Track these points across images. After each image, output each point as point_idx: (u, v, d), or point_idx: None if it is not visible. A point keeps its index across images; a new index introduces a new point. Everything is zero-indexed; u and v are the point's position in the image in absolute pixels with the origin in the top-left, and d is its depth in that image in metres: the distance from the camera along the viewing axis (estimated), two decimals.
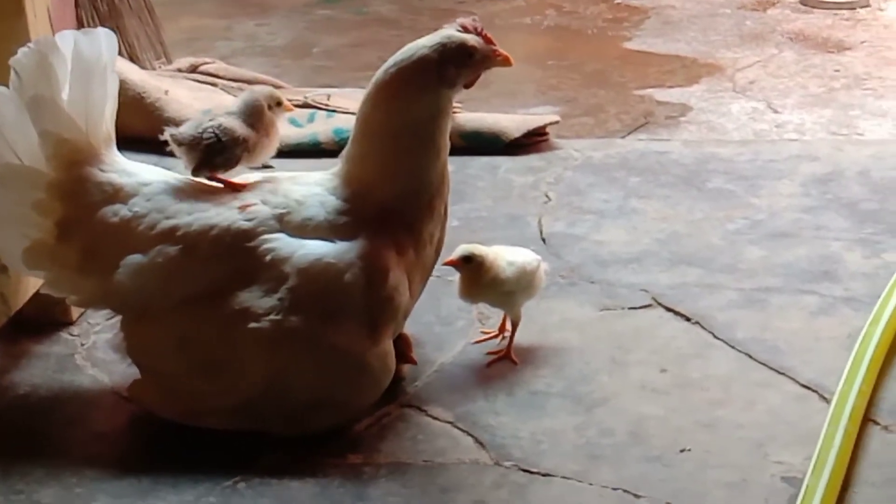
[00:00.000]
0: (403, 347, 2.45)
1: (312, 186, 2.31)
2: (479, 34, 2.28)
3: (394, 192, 2.27)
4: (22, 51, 2.24)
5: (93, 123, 2.30)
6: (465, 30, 2.28)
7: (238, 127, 2.29)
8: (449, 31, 2.27)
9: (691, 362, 2.50)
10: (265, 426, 2.26)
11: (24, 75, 2.24)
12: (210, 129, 2.28)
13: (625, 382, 2.44)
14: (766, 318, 2.66)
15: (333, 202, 2.27)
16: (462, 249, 2.48)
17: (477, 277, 2.48)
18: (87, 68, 2.28)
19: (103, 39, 2.33)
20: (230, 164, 2.30)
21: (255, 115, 2.32)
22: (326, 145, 3.65)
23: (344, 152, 2.34)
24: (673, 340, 2.59)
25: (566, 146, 3.67)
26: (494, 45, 2.29)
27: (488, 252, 2.50)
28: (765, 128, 3.83)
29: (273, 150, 2.37)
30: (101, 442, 2.32)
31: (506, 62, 2.31)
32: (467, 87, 2.32)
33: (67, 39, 2.28)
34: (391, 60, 2.27)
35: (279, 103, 2.35)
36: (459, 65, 2.25)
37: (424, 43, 2.26)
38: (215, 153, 2.28)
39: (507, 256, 2.53)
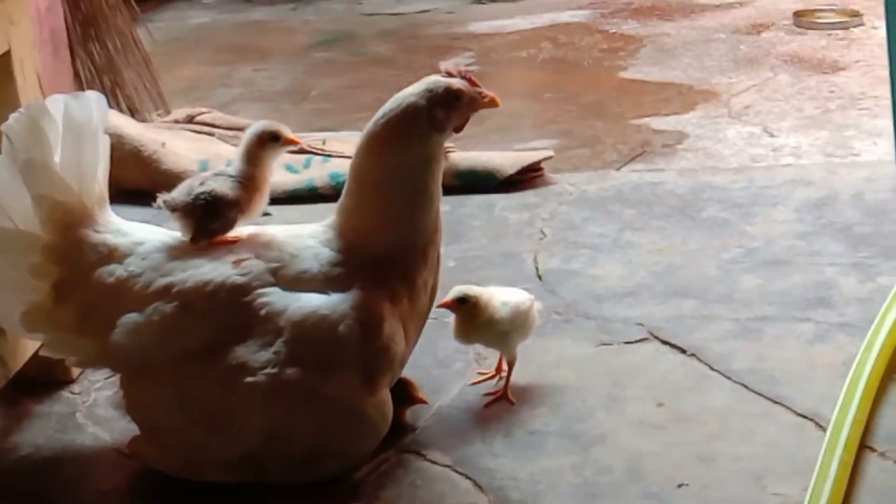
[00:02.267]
0: (409, 391, 2.46)
1: (306, 239, 2.33)
2: (463, 78, 2.30)
3: (388, 242, 2.29)
4: (13, 116, 2.26)
5: (86, 185, 2.32)
6: (450, 75, 2.30)
7: (229, 189, 2.30)
8: (434, 78, 2.30)
9: (688, 396, 2.51)
10: (266, 478, 2.27)
11: (17, 140, 2.26)
12: (202, 195, 2.28)
13: (622, 419, 2.45)
14: (761, 347, 2.66)
15: (327, 254, 2.29)
16: (456, 291, 2.50)
17: (472, 318, 2.50)
18: (78, 131, 2.30)
19: (94, 102, 2.35)
20: (226, 227, 2.31)
21: (252, 157, 2.32)
22: (323, 190, 3.67)
23: (338, 204, 2.36)
24: (669, 374, 2.59)
25: (561, 181, 3.69)
26: (479, 87, 2.31)
27: (482, 293, 2.52)
28: (761, 152, 3.84)
29: (265, 204, 2.38)
30: (103, 500, 2.33)
31: (492, 104, 2.34)
32: (457, 131, 2.33)
33: (58, 103, 2.30)
34: (380, 111, 2.29)
35: (276, 138, 2.33)
36: (447, 108, 2.27)
37: (411, 91, 2.29)
38: (209, 219, 2.29)
39: (500, 297, 2.54)
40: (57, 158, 2.27)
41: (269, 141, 2.34)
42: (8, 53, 2.48)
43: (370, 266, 2.27)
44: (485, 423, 2.47)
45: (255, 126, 2.37)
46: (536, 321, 2.58)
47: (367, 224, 2.30)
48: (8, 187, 2.26)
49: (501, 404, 2.52)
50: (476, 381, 2.61)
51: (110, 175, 3.70)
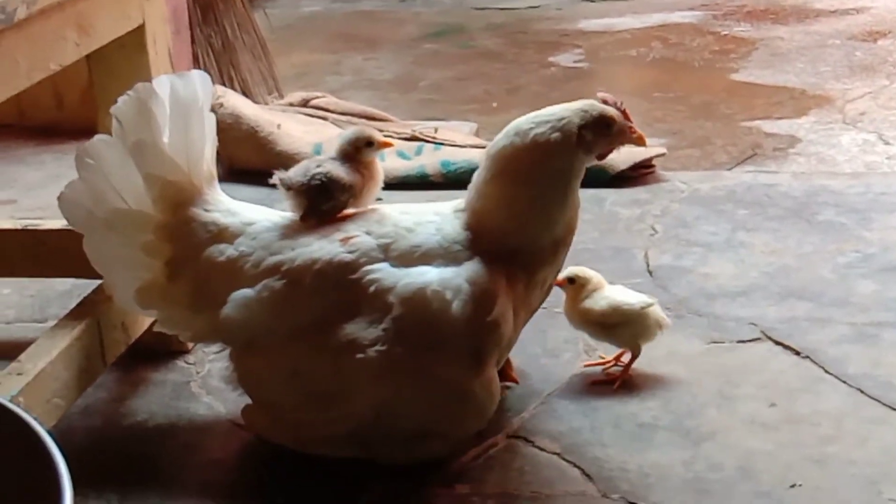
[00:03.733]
0: (504, 367, 2.47)
1: (429, 215, 2.34)
2: (618, 109, 2.31)
3: (518, 237, 2.28)
4: (121, 99, 2.29)
5: (194, 164, 2.34)
6: (606, 102, 2.31)
7: (344, 174, 2.32)
8: (591, 101, 2.31)
9: (801, 397, 2.48)
10: (374, 455, 2.29)
11: (126, 122, 2.29)
12: (318, 176, 2.31)
13: (733, 417, 2.43)
14: (878, 353, 2.62)
15: (451, 230, 2.29)
16: (569, 270, 2.54)
17: (575, 300, 2.55)
18: (184, 111, 2.32)
19: (198, 81, 2.36)
20: (336, 210, 2.33)
21: (353, 159, 2.35)
22: (434, 178, 3.69)
23: (473, 184, 2.34)
24: (782, 375, 2.56)
25: (672, 178, 3.67)
26: (632, 122, 2.31)
27: (593, 278, 2.56)
28: (876, 160, 3.77)
29: (378, 190, 2.40)
30: (215, 468, 2.36)
31: (640, 141, 2.34)
32: (600, 158, 2.34)
33: (164, 84, 2.32)
34: (535, 116, 2.30)
35: (370, 143, 2.37)
36: (597, 133, 2.28)
37: (568, 106, 2.30)
38: (322, 199, 2.32)
39: (608, 291, 2.56)
40: (166, 139, 2.30)
41: (364, 147, 2.37)
42: (142, 27, 2.53)
43: (494, 248, 2.27)
44: (593, 413, 2.46)
45: (349, 134, 2.39)
46: (654, 326, 2.56)
47: (498, 213, 2.28)
48: (119, 168, 2.29)
49: (611, 396, 2.52)
50: (589, 362, 2.62)
51: (226, 154, 3.81)
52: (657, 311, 2.57)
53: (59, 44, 2.24)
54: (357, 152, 2.36)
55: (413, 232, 2.29)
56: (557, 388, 2.57)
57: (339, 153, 2.37)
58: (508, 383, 2.54)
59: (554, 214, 2.29)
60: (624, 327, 2.55)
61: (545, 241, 2.30)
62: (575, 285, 2.55)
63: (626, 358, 2.59)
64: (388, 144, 2.41)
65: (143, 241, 2.30)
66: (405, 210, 2.38)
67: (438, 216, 2.33)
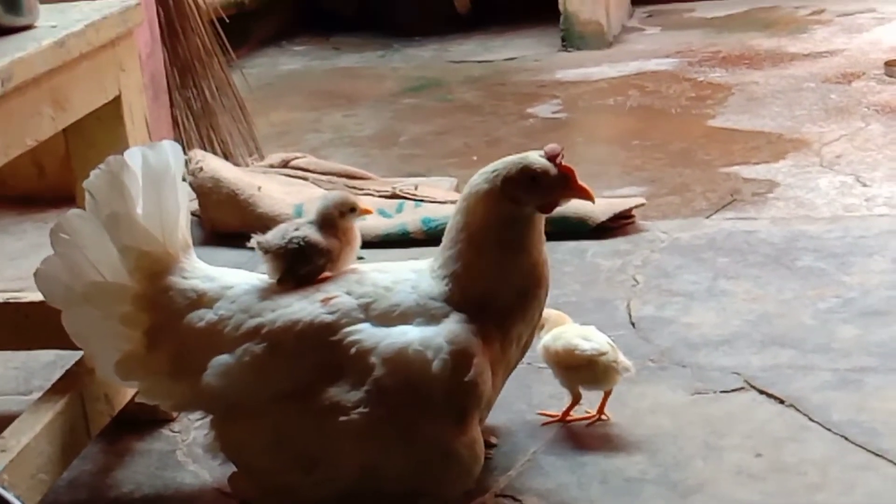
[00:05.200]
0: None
1: (406, 272, 2.36)
2: (555, 163, 2.30)
3: (479, 289, 2.30)
4: (94, 173, 2.30)
5: (169, 233, 2.35)
6: (549, 155, 2.31)
7: (322, 239, 2.34)
8: (527, 154, 2.32)
9: (787, 446, 2.48)
10: None
11: (99, 195, 2.30)
12: (295, 240, 2.33)
13: (720, 468, 2.43)
14: (861, 398, 2.62)
15: (427, 286, 2.30)
16: None
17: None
18: (157, 181, 2.33)
19: (169, 151, 2.37)
20: (313, 274, 2.34)
21: (332, 224, 2.37)
22: (415, 235, 3.70)
23: (442, 242, 2.39)
24: (767, 424, 2.57)
25: (652, 228, 3.69)
26: (572, 175, 2.31)
27: (552, 316, 2.62)
28: (854, 202, 3.79)
29: (355, 256, 2.41)
30: None
31: (583, 195, 2.33)
32: (543, 210, 2.32)
33: (135, 155, 2.33)
34: (485, 168, 2.33)
35: (353, 209, 2.38)
36: (523, 186, 2.28)
37: (506, 160, 2.32)
38: (300, 263, 2.33)
39: (565, 329, 2.61)
40: (139, 210, 2.31)
41: (347, 213, 2.38)
42: (118, 98, 2.56)
43: (468, 306, 2.28)
44: (580, 468, 2.46)
45: (331, 199, 2.40)
46: (604, 374, 2.56)
47: (458, 265, 2.32)
48: (94, 241, 2.30)
49: (597, 450, 2.52)
50: (546, 421, 2.65)
51: (207, 217, 3.83)
52: (609, 359, 2.55)
53: (35, 119, 2.26)
54: (339, 217, 2.38)
55: (391, 291, 2.30)
56: (544, 443, 2.57)
57: (318, 217, 2.39)
58: (493, 439, 2.54)
59: (504, 264, 2.30)
60: (573, 371, 2.58)
61: (506, 294, 2.30)
62: None
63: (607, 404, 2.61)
64: (368, 212, 2.44)
65: (122, 313, 2.31)
66: (383, 269, 2.40)
67: (415, 273, 2.35)
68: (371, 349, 2.22)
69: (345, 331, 2.24)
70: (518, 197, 2.29)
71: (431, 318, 2.26)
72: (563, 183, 2.30)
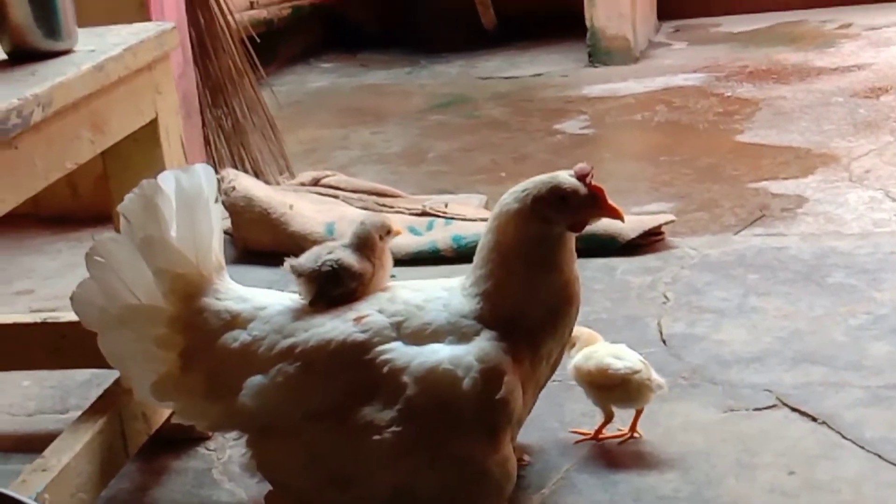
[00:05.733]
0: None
1: (438, 290, 2.37)
2: (585, 183, 2.32)
3: (510, 307, 2.31)
4: (128, 196, 2.33)
5: (202, 255, 2.37)
6: (579, 174, 2.33)
7: (355, 262, 2.35)
8: (558, 173, 2.33)
9: (820, 464, 2.48)
10: None
11: (133, 219, 2.33)
12: (328, 263, 2.35)
13: (753, 486, 2.43)
14: (894, 416, 2.62)
15: (458, 304, 2.32)
16: None
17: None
18: (190, 204, 2.35)
19: (202, 174, 2.40)
20: (346, 297, 2.36)
21: (369, 247, 2.38)
22: (445, 252, 3.72)
23: (474, 259, 2.40)
24: (800, 441, 2.57)
25: (682, 244, 3.70)
26: (602, 195, 2.32)
27: (585, 334, 2.64)
28: (884, 217, 3.79)
29: (387, 278, 2.43)
30: None
31: (613, 214, 2.33)
32: (573, 230, 2.33)
33: (169, 179, 2.35)
34: (515, 187, 2.34)
35: (389, 232, 2.41)
36: (553, 206, 2.30)
37: (537, 179, 2.33)
38: (332, 286, 2.34)
39: (598, 348, 2.62)
40: (173, 233, 2.33)
41: (385, 236, 2.41)
42: (155, 121, 2.59)
43: (499, 323, 2.30)
44: (613, 487, 2.47)
45: (369, 222, 2.42)
46: (637, 392, 2.57)
47: (489, 283, 2.33)
48: (129, 264, 2.32)
49: (630, 468, 2.53)
50: (579, 440, 2.66)
51: (239, 236, 3.86)
52: (643, 377, 2.56)
53: (74, 143, 2.30)
54: (379, 240, 2.40)
55: (423, 309, 2.32)
56: (576, 461, 2.58)
57: (356, 239, 2.40)
58: (525, 457, 2.56)
59: (535, 283, 2.31)
60: (606, 390, 2.59)
61: (536, 312, 2.32)
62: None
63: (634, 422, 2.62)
64: (398, 232, 2.46)
65: (157, 335, 2.33)
66: (415, 287, 2.41)
67: (446, 291, 2.36)
68: (403, 368, 2.24)
69: (377, 350, 2.26)
70: (548, 216, 2.30)
71: (462, 336, 2.27)
72: (593, 202, 2.31)
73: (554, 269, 2.34)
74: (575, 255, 2.38)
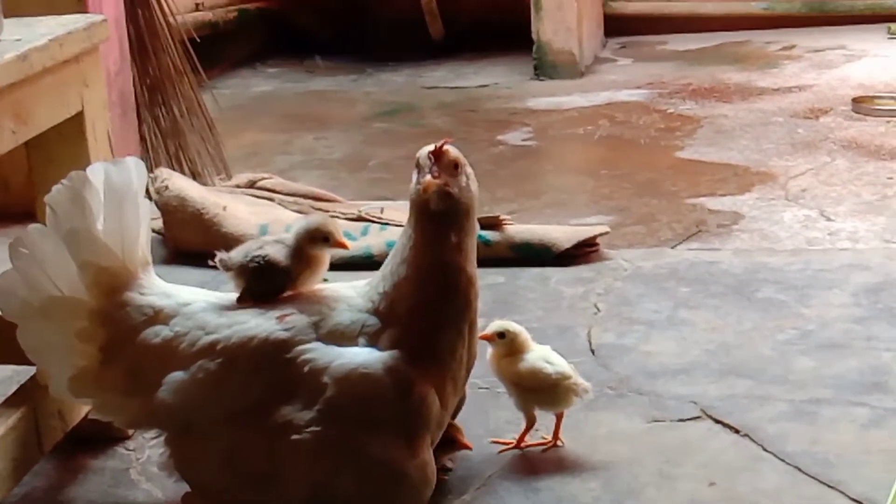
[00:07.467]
0: (454, 434, 2.48)
1: (347, 290, 2.36)
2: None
3: (406, 305, 2.28)
4: (55, 188, 2.30)
5: (129, 249, 2.35)
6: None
7: (283, 258, 2.33)
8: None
9: (741, 476, 2.49)
10: None
11: (60, 210, 2.30)
12: (256, 259, 2.33)
13: (673, 497, 2.43)
14: (816, 430, 2.64)
15: (362, 305, 2.31)
16: (496, 325, 2.62)
17: (503, 355, 2.61)
18: (119, 197, 2.33)
19: (133, 167, 2.37)
20: (272, 293, 2.34)
21: (298, 247, 2.36)
22: (379, 258, 3.65)
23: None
24: (722, 453, 2.58)
25: (617, 257, 3.71)
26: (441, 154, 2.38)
27: (521, 334, 2.62)
28: (818, 236, 3.82)
29: (318, 281, 2.40)
30: None
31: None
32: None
33: (98, 171, 2.33)
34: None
35: (326, 239, 2.36)
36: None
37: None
38: (258, 282, 2.33)
39: (535, 351, 2.61)
40: (100, 226, 2.31)
41: (320, 241, 2.37)
42: (81, 114, 2.55)
43: (400, 322, 2.28)
44: (535, 494, 2.47)
45: (309, 222, 2.39)
46: (564, 396, 2.57)
47: (389, 284, 2.32)
48: (53, 256, 2.30)
49: (552, 476, 2.52)
50: (501, 449, 2.64)
51: (171, 236, 3.82)
52: (572, 381, 2.57)
53: None
54: (308, 243, 2.36)
55: (334, 311, 2.31)
56: (499, 468, 2.57)
57: (292, 237, 2.37)
58: (460, 451, 2.53)
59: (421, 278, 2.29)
60: (535, 391, 2.58)
61: (424, 305, 2.28)
62: (504, 340, 2.60)
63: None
64: (343, 246, 2.40)
65: (78, 328, 2.30)
66: (331, 288, 2.40)
67: (355, 290, 2.36)
68: (324, 368, 2.23)
69: (298, 349, 2.25)
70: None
71: (372, 337, 2.26)
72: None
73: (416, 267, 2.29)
74: (472, 248, 2.33)
